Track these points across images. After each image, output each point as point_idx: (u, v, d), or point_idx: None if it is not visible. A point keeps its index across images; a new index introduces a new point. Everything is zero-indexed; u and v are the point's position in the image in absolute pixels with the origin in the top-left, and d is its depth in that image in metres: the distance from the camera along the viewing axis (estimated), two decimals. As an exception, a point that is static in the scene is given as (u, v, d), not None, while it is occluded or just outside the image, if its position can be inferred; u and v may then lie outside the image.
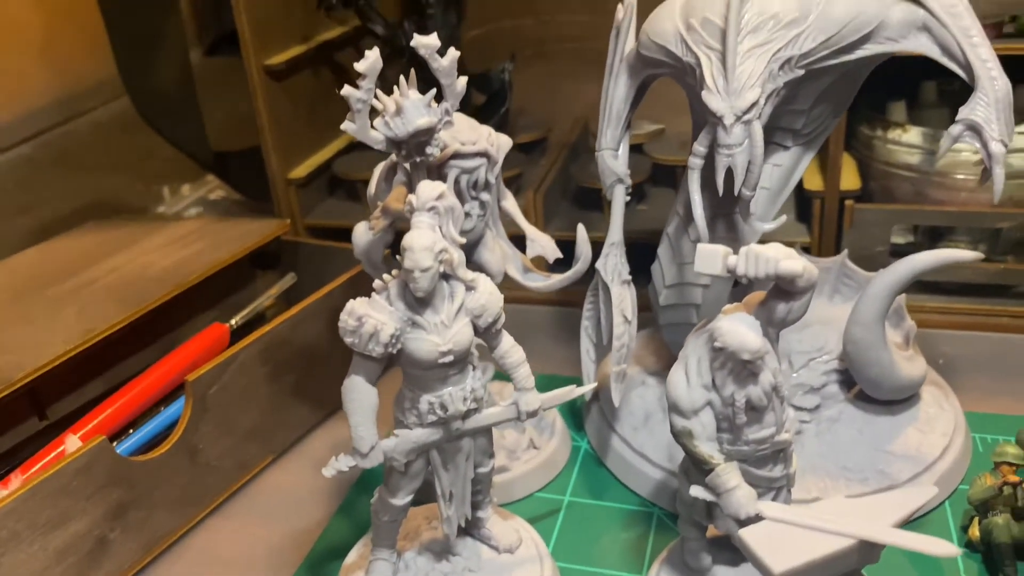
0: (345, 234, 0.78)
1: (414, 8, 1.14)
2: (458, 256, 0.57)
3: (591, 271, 0.79)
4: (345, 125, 0.61)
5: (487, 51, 1.26)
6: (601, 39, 0.78)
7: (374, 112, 0.62)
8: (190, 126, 1.37)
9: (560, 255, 0.78)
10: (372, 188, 0.75)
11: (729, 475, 0.57)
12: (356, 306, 0.56)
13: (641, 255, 0.83)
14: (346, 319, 0.56)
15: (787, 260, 0.54)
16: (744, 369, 0.56)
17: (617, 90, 0.76)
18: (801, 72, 0.64)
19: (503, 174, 1.07)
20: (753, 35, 0.63)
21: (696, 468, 0.59)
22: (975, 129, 0.63)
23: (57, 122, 1.38)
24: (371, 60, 0.58)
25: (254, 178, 1.19)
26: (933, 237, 1.03)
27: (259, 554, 0.75)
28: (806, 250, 1.00)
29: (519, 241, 0.79)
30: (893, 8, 0.64)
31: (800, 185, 0.98)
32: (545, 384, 0.63)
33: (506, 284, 0.78)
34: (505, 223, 0.78)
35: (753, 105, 0.63)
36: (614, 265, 0.78)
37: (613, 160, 0.78)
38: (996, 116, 0.62)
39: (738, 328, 0.55)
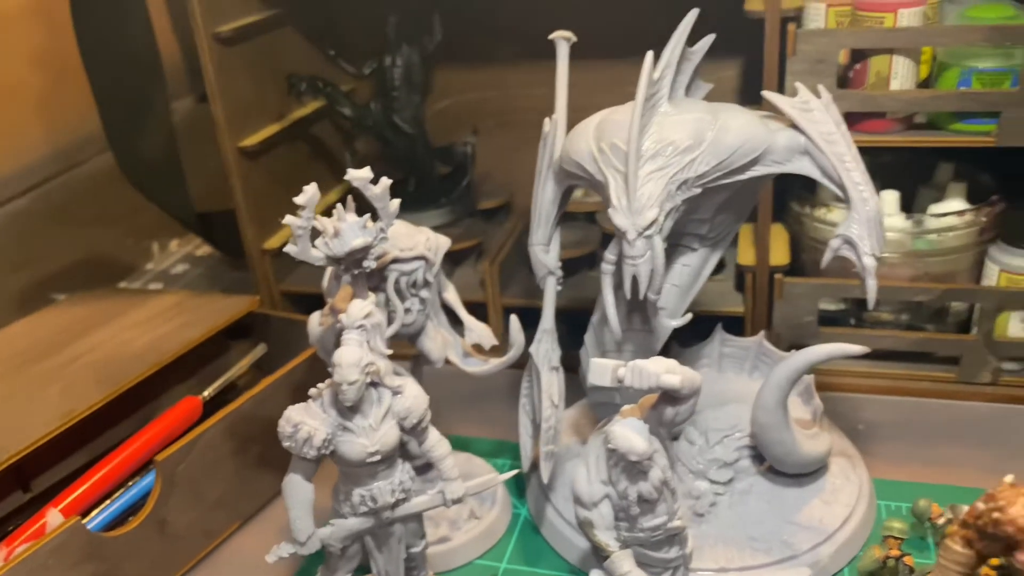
0: (318, 301, 0.85)
1: (380, 89, 1.22)
2: (384, 366, 0.65)
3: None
4: (288, 248, 0.69)
5: (452, 122, 1.34)
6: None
7: (316, 232, 0.70)
8: (173, 188, 1.44)
9: (496, 342, 0.86)
10: (325, 283, 0.83)
11: (622, 561, 0.64)
12: (292, 413, 0.64)
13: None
14: (283, 425, 0.64)
15: (667, 374, 0.61)
16: (634, 467, 0.63)
17: (545, 194, 0.84)
18: (698, 190, 0.72)
19: (460, 245, 1.16)
20: (653, 160, 0.71)
21: (597, 556, 0.66)
22: (851, 243, 0.71)
23: (52, 174, 1.47)
24: (309, 194, 0.66)
25: (237, 238, 1.27)
26: (861, 306, 1.10)
27: (223, 618, 0.83)
28: (740, 320, 1.08)
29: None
30: (778, 135, 0.72)
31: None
32: (499, 449, 0.70)
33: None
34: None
35: (653, 223, 0.70)
36: (545, 351, 0.86)
37: (544, 255, 0.86)
38: (868, 233, 0.70)
39: (627, 433, 0.62)
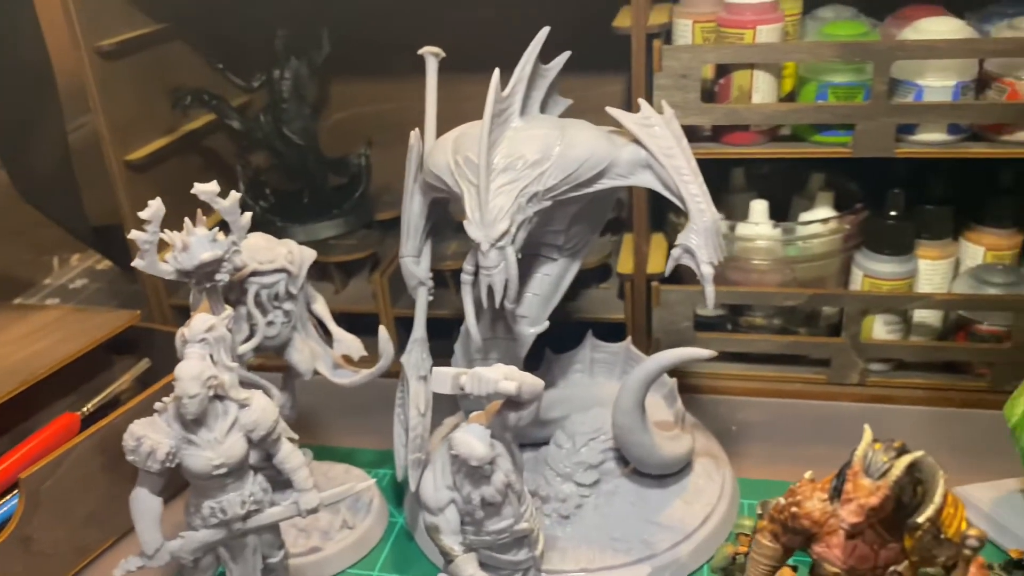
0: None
1: (270, 102, 1.23)
2: (229, 379, 0.65)
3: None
4: (135, 263, 0.69)
5: (348, 135, 1.35)
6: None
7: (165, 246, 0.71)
8: (68, 202, 1.43)
9: (364, 354, 0.87)
10: (191, 299, 0.83)
11: (466, 565, 0.66)
12: (136, 428, 0.64)
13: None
14: (127, 439, 0.64)
15: (504, 381, 0.63)
16: (477, 472, 0.65)
17: (413, 206, 0.86)
18: (549, 203, 0.74)
19: (354, 255, 1.16)
20: (504, 174, 0.73)
21: (443, 558, 0.68)
22: (690, 253, 0.74)
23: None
24: (153, 208, 0.67)
25: (129, 254, 1.26)
26: (735, 311, 1.14)
27: (90, 635, 0.82)
28: (622, 327, 1.11)
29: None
30: (622, 149, 0.75)
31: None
32: (381, 459, 0.70)
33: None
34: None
35: (504, 234, 0.72)
36: (416, 360, 0.87)
37: (415, 266, 0.87)
38: (705, 242, 0.73)
39: (467, 439, 0.64)
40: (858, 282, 1.08)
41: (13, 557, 0.82)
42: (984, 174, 1.07)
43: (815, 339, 1.10)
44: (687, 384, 1.08)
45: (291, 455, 0.70)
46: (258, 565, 0.71)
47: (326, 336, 0.88)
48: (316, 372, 0.86)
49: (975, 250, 1.08)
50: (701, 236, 0.73)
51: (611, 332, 1.04)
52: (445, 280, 1.17)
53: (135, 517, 0.66)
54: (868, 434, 0.51)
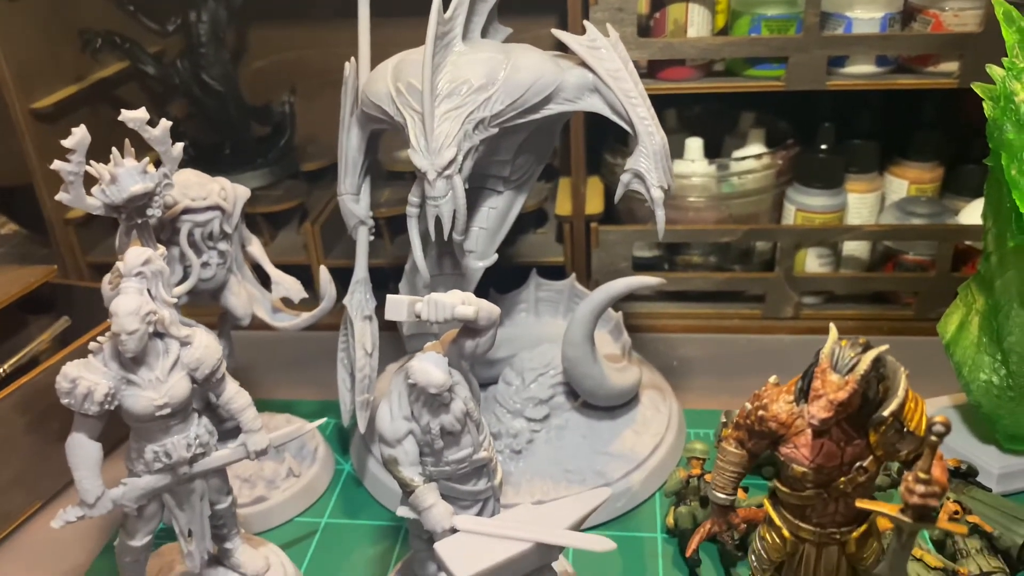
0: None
1: (187, 47, 1.17)
2: (169, 315, 0.62)
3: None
4: (60, 196, 0.64)
5: (271, 83, 1.29)
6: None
7: (92, 180, 0.66)
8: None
9: (305, 295, 0.84)
10: (117, 241, 0.78)
11: (426, 495, 0.64)
12: (69, 369, 0.60)
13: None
14: (60, 381, 0.60)
15: (461, 306, 0.62)
16: (435, 400, 0.63)
17: (350, 141, 0.83)
18: (495, 130, 0.73)
19: (282, 205, 1.12)
20: (448, 99, 0.71)
21: (404, 493, 0.66)
22: (640, 177, 0.73)
23: None
24: (78, 136, 0.62)
25: (38, 215, 1.19)
26: (672, 251, 1.15)
27: (22, 601, 0.78)
28: (561, 269, 1.10)
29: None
30: (568, 73, 0.74)
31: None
32: (322, 410, 0.68)
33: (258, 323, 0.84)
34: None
35: (451, 162, 0.70)
36: (359, 301, 0.84)
37: (354, 204, 0.84)
38: (655, 166, 0.73)
39: (425, 366, 0.62)
40: (791, 217, 1.10)
41: (-68, 523, 0.77)
42: (908, 109, 1.11)
43: (750, 275, 1.12)
44: (628, 324, 1.08)
45: (237, 395, 0.67)
46: (205, 512, 0.68)
47: (261, 281, 0.84)
48: (254, 317, 0.83)
49: (900, 184, 1.11)
50: (650, 160, 0.72)
51: (551, 274, 1.03)
52: (380, 229, 1.14)
53: (73, 464, 0.62)
54: (834, 332, 0.52)
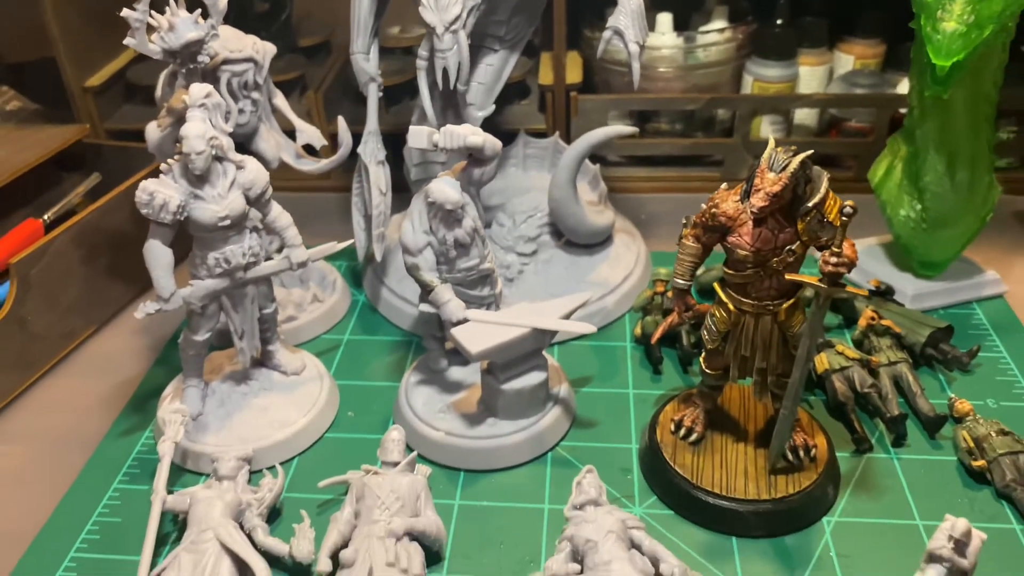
0: (143, 136, 0.91)
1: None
2: (227, 142, 0.74)
3: (356, 156, 0.97)
4: (127, 40, 0.75)
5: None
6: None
7: (152, 29, 0.77)
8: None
9: (325, 143, 0.96)
10: (159, 91, 0.89)
11: (443, 293, 0.78)
12: (147, 184, 0.72)
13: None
14: (140, 194, 0.72)
15: (472, 135, 0.74)
16: (450, 216, 0.77)
17: (362, 4, 0.93)
18: (495, -10, 0.84)
19: (282, 76, 1.22)
20: (455, -39, 0.82)
21: (424, 292, 0.80)
22: (619, 34, 0.85)
23: None
24: (142, -13, 0.73)
25: (51, 88, 1.27)
26: (643, 119, 1.28)
27: (91, 402, 0.91)
28: (543, 134, 1.23)
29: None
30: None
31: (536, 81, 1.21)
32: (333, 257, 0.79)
33: (283, 170, 0.96)
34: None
35: (457, 18, 0.82)
36: (372, 149, 0.97)
37: (365, 63, 0.95)
38: (632, 23, 0.85)
39: (442, 187, 0.75)
40: (748, 87, 1.23)
41: (11, 337, 0.90)
42: (855, -12, 1.23)
43: (712, 140, 1.26)
44: (602, 183, 1.22)
45: (281, 215, 0.79)
46: (255, 314, 0.82)
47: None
48: (281, 161, 0.94)
49: (846, 59, 1.24)
50: (629, 17, 0.84)
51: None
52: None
53: (151, 265, 0.74)
54: (772, 142, 0.66)
